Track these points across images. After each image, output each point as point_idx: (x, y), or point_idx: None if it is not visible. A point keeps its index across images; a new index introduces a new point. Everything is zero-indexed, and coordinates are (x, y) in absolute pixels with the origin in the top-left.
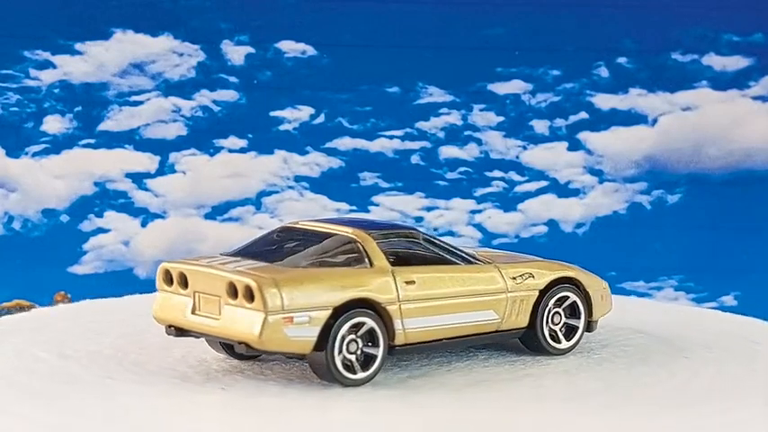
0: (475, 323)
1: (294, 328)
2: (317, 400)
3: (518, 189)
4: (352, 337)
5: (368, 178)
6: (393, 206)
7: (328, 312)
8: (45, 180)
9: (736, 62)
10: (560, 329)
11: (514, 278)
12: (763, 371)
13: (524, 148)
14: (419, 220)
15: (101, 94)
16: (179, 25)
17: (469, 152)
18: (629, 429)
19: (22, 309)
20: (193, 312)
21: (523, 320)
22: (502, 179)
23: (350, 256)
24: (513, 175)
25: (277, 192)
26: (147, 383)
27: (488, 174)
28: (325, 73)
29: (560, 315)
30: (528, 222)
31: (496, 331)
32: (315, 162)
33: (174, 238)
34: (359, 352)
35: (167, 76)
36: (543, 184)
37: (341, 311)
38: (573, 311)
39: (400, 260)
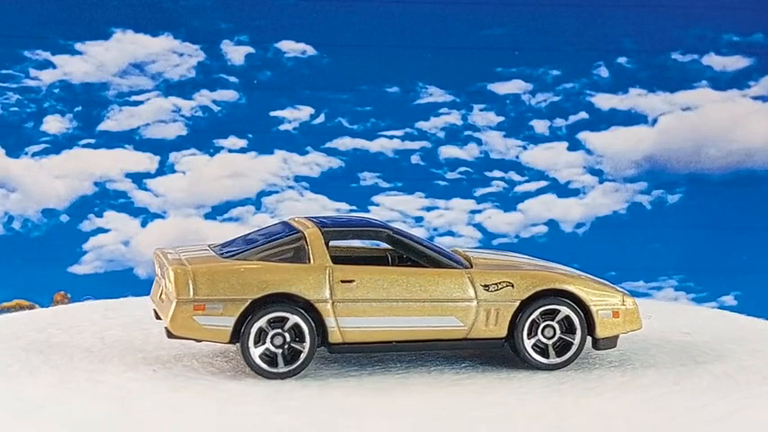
0: (433, 328)
1: (206, 316)
2: (220, 395)
3: (518, 189)
4: (278, 330)
5: (368, 178)
6: (393, 206)
7: (245, 305)
8: (45, 180)
9: (736, 62)
10: (553, 344)
11: (486, 286)
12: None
13: (524, 148)
14: (419, 219)
15: (101, 94)
16: (179, 25)
17: (469, 152)
18: None
19: (21, 309)
20: (159, 297)
21: (499, 331)
22: (502, 179)
23: (296, 252)
24: (513, 175)
25: (277, 192)
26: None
27: (488, 174)
28: (326, 73)
29: (554, 329)
30: (528, 222)
31: (465, 339)
32: (315, 162)
33: (174, 238)
34: (286, 346)
35: (167, 76)
36: (543, 184)
37: (261, 305)
38: (571, 326)
39: (354, 259)
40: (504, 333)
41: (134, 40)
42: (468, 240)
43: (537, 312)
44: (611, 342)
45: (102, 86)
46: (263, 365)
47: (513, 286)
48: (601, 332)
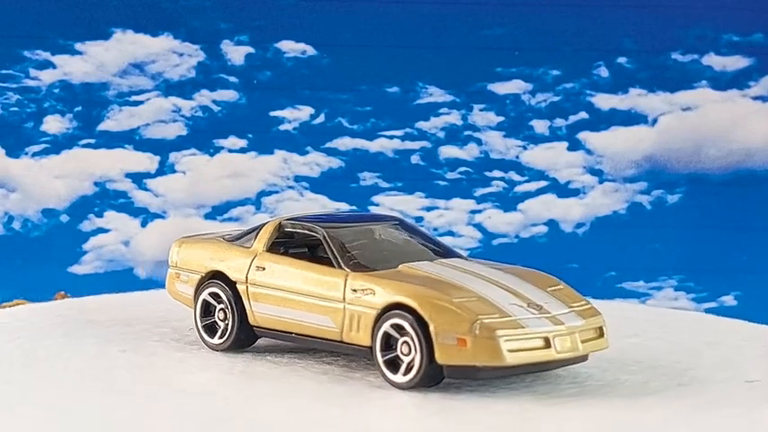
0: (313, 326)
1: (181, 284)
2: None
3: (518, 189)
4: (222, 306)
5: (368, 178)
6: (393, 206)
7: (197, 277)
8: (45, 180)
9: (736, 62)
10: (408, 362)
11: (355, 290)
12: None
13: (524, 148)
14: (419, 219)
15: (101, 94)
16: (179, 25)
17: (469, 152)
18: None
19: None
20: None
21: (363, 339)
22: (502, 179)
23: (251, 236)
24: (513, 175)
25: (277, 192)
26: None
27: (488, 174)
28: (326, 73)
29: (409, 346)
30: (528, 222)
31: (342, 342)
32: (315, 162)
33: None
34: (226, 321)
35: (167, 76)
36: (543, 184)
37: (209, 280)
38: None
39: (295, 252)
40: (368, 342)
41: (134, 40)
42: (469, 240)
43: (388, 325)
44: (466, 373)
45: (102, 86)
46: (204, 335)
47: (374, 294)
48: (441, 358)
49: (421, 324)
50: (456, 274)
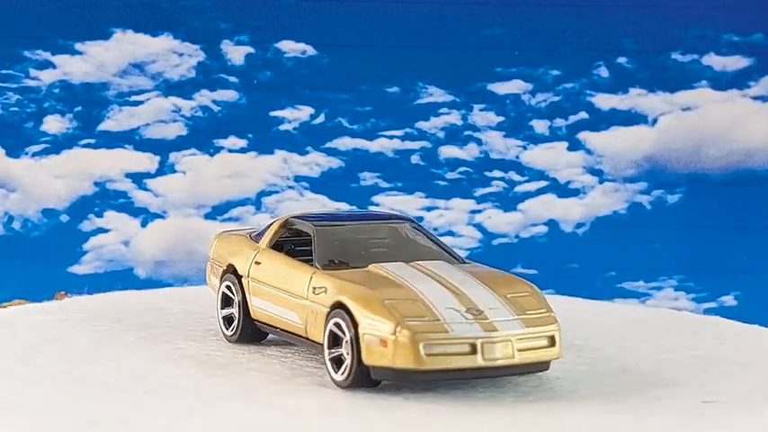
0: (287, 321)
1: (213, 276)
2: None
3: (518, 189)
4: (237, 299)
5: (368, 178)
6: (393, 206)
7: (221, 270)
8: (45, 180)
9: (736, 62)
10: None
11: (315, 288)
12: None
13: (524, 148)
14: (419, 220)
15: (101, 94)
16: (179, 25)
17: (469, 152)
18: None
19: None
20: None
21: (320, 336)
22: (502, 179)
23: (264, 232)
24: (513, 175)
25: (277, 192)
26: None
27: (488, 174)
28: (326, 73)
29: (349, 344)
30: (528, 222)
31: (306, 339)
32: (315, 162)
33: (174, 238)
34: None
35: (167, 76)
36: (543, 184)
37: (228, 272)
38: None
39: (295, 249)
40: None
41: (134, 40)
42: (469, 240)
43: (332, 324)
44: (390, 375)
45: (102, 86)
46: (222, 327)
47: (326, 292)
48: (366, 358)
49: (355, 324)
50: (415, 275)
